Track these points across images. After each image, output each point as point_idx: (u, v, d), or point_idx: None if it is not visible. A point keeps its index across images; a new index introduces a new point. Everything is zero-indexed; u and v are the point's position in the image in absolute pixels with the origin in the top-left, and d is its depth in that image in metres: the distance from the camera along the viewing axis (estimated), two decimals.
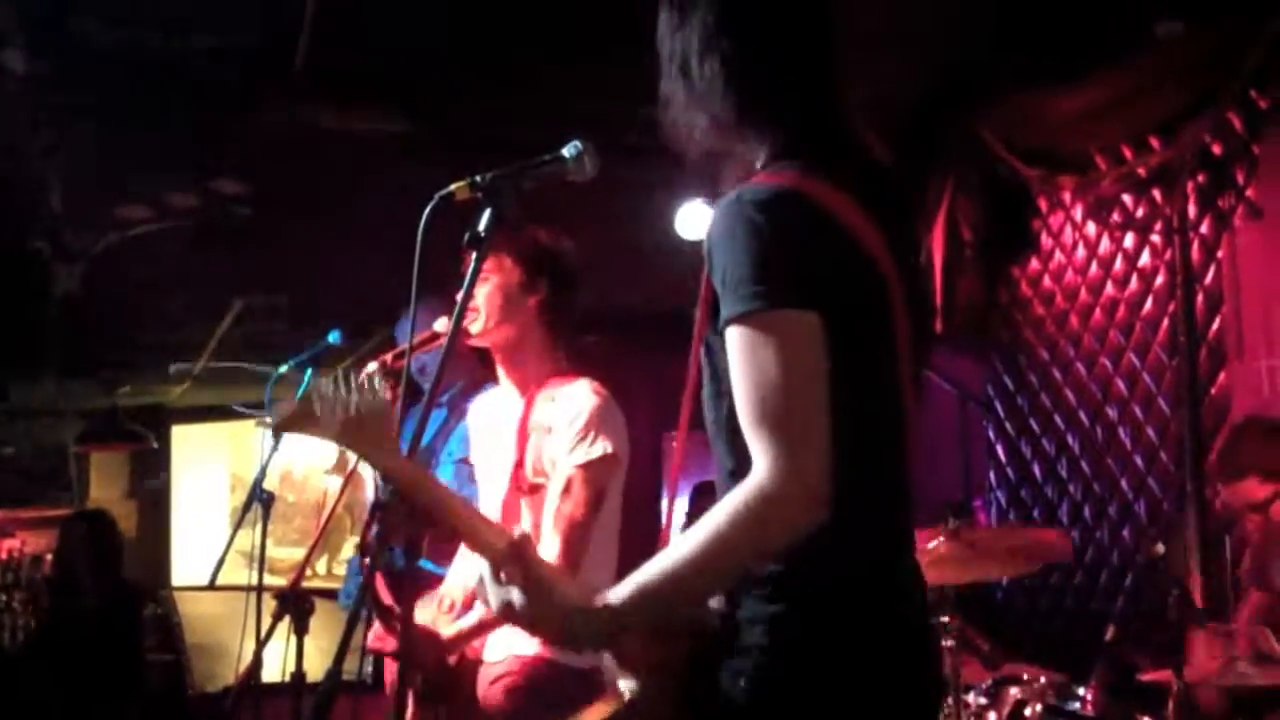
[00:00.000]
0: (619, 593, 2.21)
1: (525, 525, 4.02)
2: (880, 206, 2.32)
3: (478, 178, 2.60)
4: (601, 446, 3.93)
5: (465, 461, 5.05)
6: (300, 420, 2.41)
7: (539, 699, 3.95)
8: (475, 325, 4.14)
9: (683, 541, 2.15)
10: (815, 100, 2.41)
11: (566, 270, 4.20)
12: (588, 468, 3.91)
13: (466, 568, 4.13)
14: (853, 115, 2.45)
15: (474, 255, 2.60)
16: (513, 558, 2.27)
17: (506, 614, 2.27)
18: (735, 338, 2.16)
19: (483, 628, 3.96)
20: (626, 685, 2.38)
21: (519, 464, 4.10)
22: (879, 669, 2.26)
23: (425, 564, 4.67)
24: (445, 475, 5.00)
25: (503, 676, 4.03)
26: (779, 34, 2.41)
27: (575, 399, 4.01)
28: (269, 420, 2.44)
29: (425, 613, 4.16)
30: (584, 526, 3.92)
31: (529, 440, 4.09)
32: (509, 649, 4.05)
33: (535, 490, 4.05)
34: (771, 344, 2.12)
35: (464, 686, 4.09)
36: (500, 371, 4.26)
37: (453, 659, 4.08)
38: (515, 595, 2.25)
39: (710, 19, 2.40)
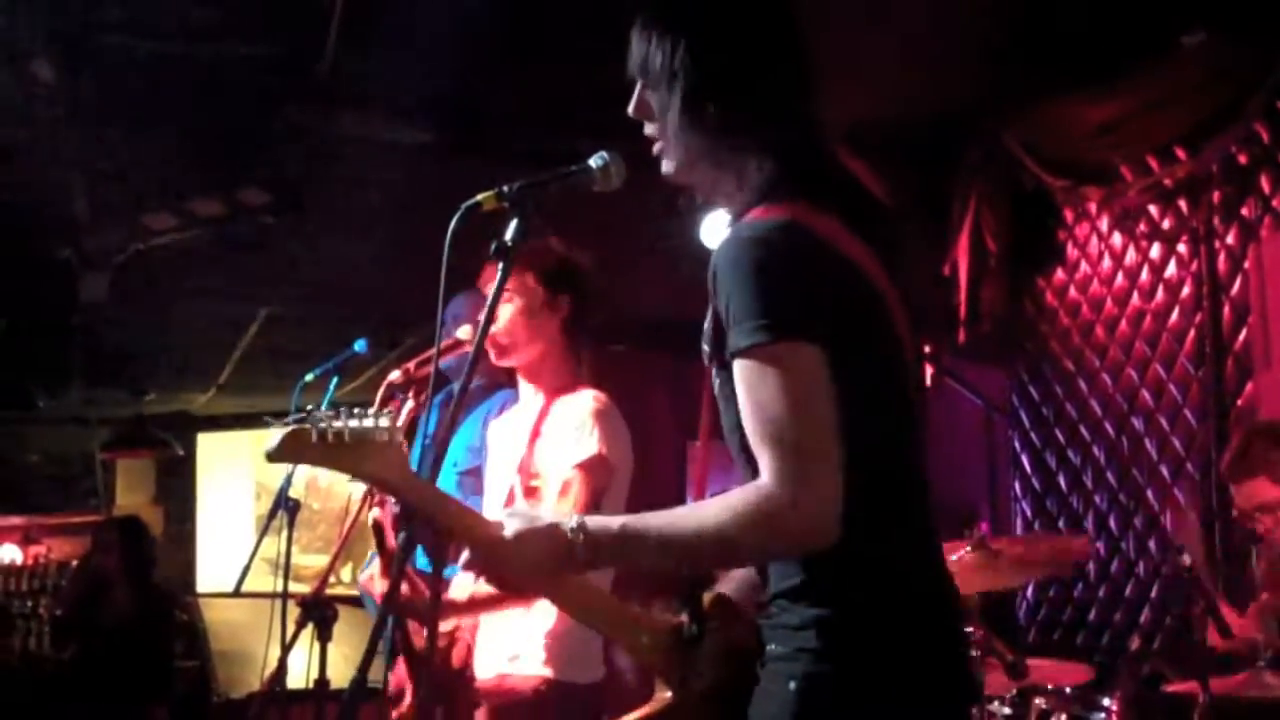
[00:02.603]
0: (615, 520, 2.29)
1: None
2: (870, 231, 2.39)
3: (505, 188, 2.61)
4: (595, 447, 3.95)
5: (469, 474, 5.07)
6: (300, 450, 2.40)
7: (528, 716, 3.95)
8: (502, 355, 4.17)
9: (687, 512, 2.24)
10: (801, 129, 2.46)
11: (588, 285, 4.23)
12: (585, 468, 3.94)
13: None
14: (834, 143, 2.51)
15: (500, 265, 2.61)
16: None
17: (480, 569, 2.37)
18: (742, 371, 2.22)
19: (476, 604, 3.96)
20: (663, 694, 2.40)
21: (523, 466, 4.13)
22: (923, 670, 2.31)
23: (452, 570, 4.69)
24: (447, 484, 4.99)
25: (493, 695, 4.02)
26: (765, 62, 2.45)
27: (576, 406, 4.05)
28: (266, 452, 2.43)
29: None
30: None
31: (538, 441, 4.12)
32: (497, 668, 4.05)
33: (533, 492, 4.08)
34: (777, 374, 2.19)
35: (460, 691, 4.10)
36: (521, 382, 4.29)
37: (457, 660, 4.09)
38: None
39: (701, 40, 2.44)
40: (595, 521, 2.29)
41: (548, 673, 3.97)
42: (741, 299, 2.21)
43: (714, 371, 2.35)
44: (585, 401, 4.07)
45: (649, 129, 2.54)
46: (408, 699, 4.10)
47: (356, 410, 2.44)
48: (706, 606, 2.40)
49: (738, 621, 2.36)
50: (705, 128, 2.43)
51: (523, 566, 2.35)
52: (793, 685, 2.26)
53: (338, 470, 2.46)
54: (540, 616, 3.95)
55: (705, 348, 2.37)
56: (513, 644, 3.98)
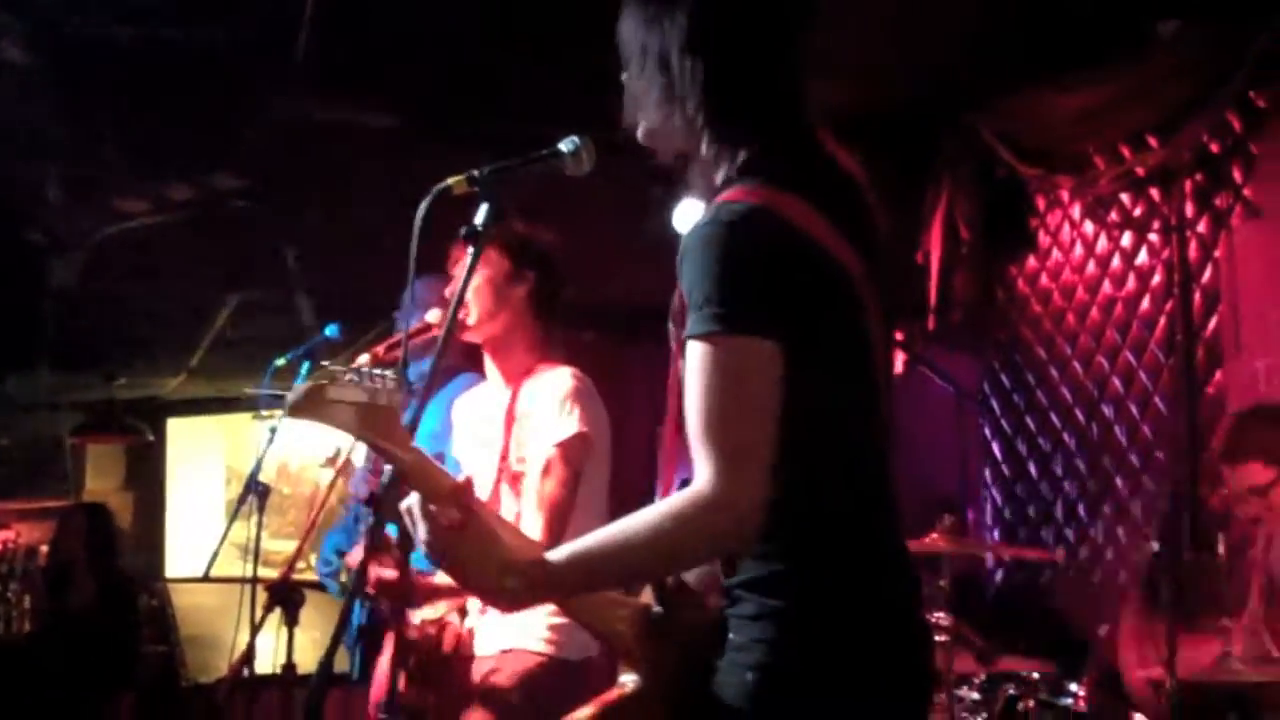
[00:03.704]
0: (555, 555, 2.25)
1: (509, 513, 4.05)
2: (849, 217, 2.38)
3: (475, 172, 2.60)
4: (575, 425, 3.97)
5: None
6: (316, 406, 2.40)
7: (529, 693, 3.97)
8: (468, 320, 4.17)
9: (627, 525, 2.21)
10: (785, 111, 2.45)
11: (552, 260, 4.26)
12: (564, 446, 3.97)
13: None
14: (817, 125, 2.49)
15: (470, 249, 2.61)
16: (452, 498, 2.29)
17: (432, 551, 2.28)
18: (693, 355, 2.22)
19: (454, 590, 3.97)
20: (627, 678, 2.39)
21: (505, 452, 4.15)
22: (880, 664, 2.30)
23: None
24: None
25: (493, 671, 4.04)
26: (761, 40, 2.44)
27: (554, 384, 4.07)
28: (285, 404, 2.43)
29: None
30: (564, 505, 3.98)
31: (514, 428, 4.14)
32: (498, 644, 4.07)
33: (519, 478, 4.09)
34: (724, 366, 2.18)
35: (456, 677, 4.11)
36: (488, 363, 4.29)
37: (446, 645, 4.10)
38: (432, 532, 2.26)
39: (693, 19, 2.42)
40: (553, 558, 2.25)
41: (549, 650, 4.00)
42: (704, 284, 2.21)
43: (680, 354, 2.34)
44: (564, 379, 4.09)
45: (633, 110, 2.52)
46: (401, 686, 4.10)
47: (368, 370, 2.44)
48: (672, 592, 2.39)
49: (702, 608, 2.35)
50: (688, 108, 2.42)
51: (479, 592, 2.34)
52: (749, 676, 2.26)
53: (345, 431, 2.46)
54: (537, 609, 3.97)
55: (670, 328, 2.36)
56: (517, 623, 4.00)
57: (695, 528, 2.16)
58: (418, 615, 4.16)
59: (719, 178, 2.42)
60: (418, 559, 4.85)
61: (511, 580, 2.25)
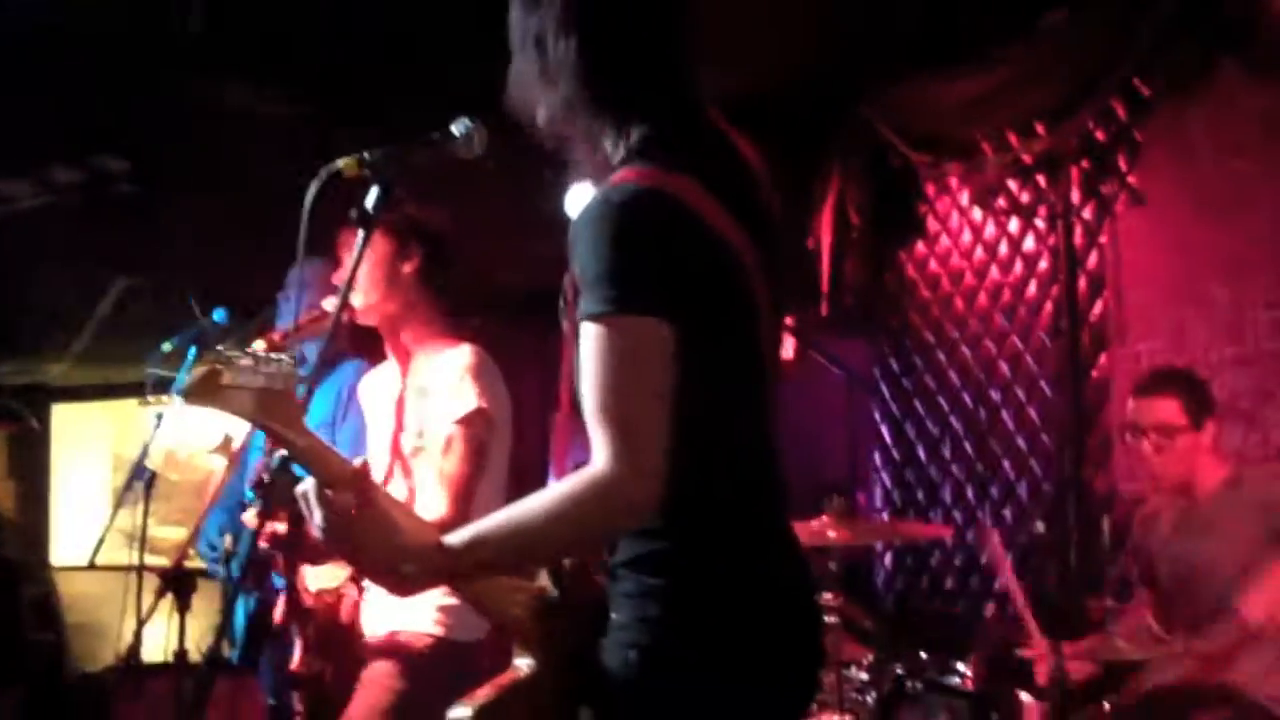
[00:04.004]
0: (452, 540, 2.24)
1: (402, 491, 4.04)
2: (742, 200, 2.38)
3: (365, 154, 2.59)
4: (474, 401, 3.96)
5: None
6: (211, 391, 2.38)
7: (419, 675, 3.96)
8: (357, 302, 4.15)
9: (523, 508, 2.21)
10: (674, 90, 2.45)
11: (437, 236, 4.24)
12: (466, 423, 3.95)
13: None
14: (711, 106, 2.49)
15: (360, 232, 2.59)
16: (349, 482, 2.28)
17: (328, 536, 2.27)
18: (587, 336, 2.21)
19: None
20: (522, 662, 2.39)
21: (397, 431, 4.14)
22: (762, 643, 2.31)
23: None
24: None
25: (382, 653, 4.02)
26: (638, 20, 2.44)
27: (452, 361, 4.05)
28: (178, 389, 2.41)
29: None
30: (468, 480, 3.96)
31: (406, 407, 4.13)
32: (387, 625, 4.05)
33: (414, 454, 4.08)
34: (618, 347, 2.19)
35: (353, 648, 4.09)
36: (386, 347, 4.28)
37: (344, 616, 4.08)
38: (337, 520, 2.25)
39: (567, 1, 2.41)
40: (451, 541, 2.24)
41: (438, 632, 3.99)
42: (596, 264, 2.21)
43: (573, 336, 2.33)
44: (462, 356, 4.07)
45: (519, 93, 2.51)
46: (297, 656, 4.07)
47: (264, 355, 2.42)
48: (568, 575, 2.39)
49: (598, 590, 2.36)
50: (565, 90, 2.41)
51: (377, 576, 2.33)
52: (632, 655, 2.26)
53: (240, 416, 2.44)
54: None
55: (563, 310, 2.36)
56: (406, 605, 3.98)
57: (592, 509, 2.17)
58: (314, 584, 4.14)
59: (611, 160, 2.42)
60: None
61: (408, 565, 2.25)
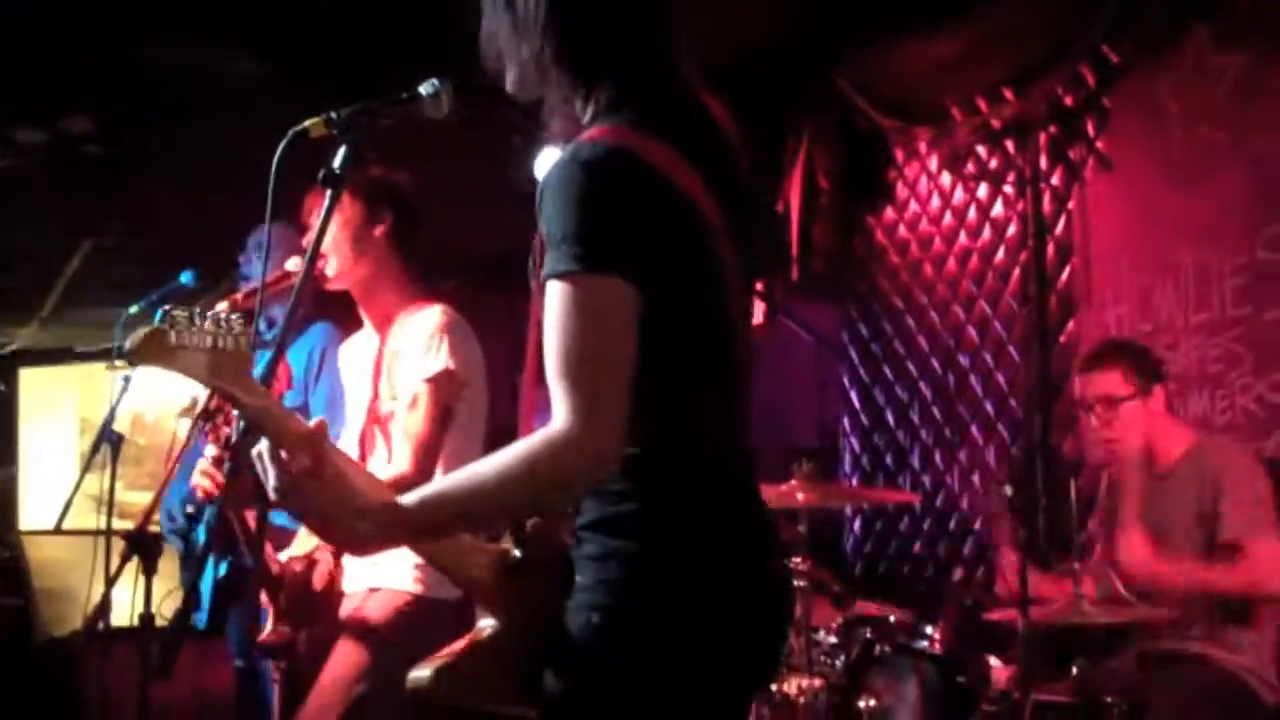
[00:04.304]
0: (408, 499, 2.24)
1: (380, 457, 4.04)
2: (712, 162, 2.37)
3: (333, 114, 2.57)
4: (443, 361, 3.95)
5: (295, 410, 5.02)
6: (158, 352, 2.36)
7: (398, 631, 3.96)
8: (329, 269, 4.14)
9: (481, 467, 2.21)
10: (646, 49, 2.43)
11: (407, 198, 4.23)
12: (433, 382, 3.95)
13: None
14: (685, 66, 2.47)
15: (328, 194, 2.58)
16: (303, 443, 2.28)
17: (281, 497, 2.27)
18: (551, 294, 2.20)
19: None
20: (486, 623, 2.39)
21: (374, 396, 4.13)
22: (727, 605, 2.31)
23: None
24: None
25: (361, 610, 4.02)
26: None
27: (423, 321, 4.04)
28: (125, 349, 2.37)
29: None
30: (431, 438, 3.97)
31: (383, 371, 4.12)
32: (366, 582, 4.05)
33: (390, 418, 4.08)
34: (583, 306, 2.18)
35: (327, 615, 4.08)
36: (360, 310, 4.27)
37: (318, 583, 4.07)
38: (304, 478, 2.25)
39: None
40: (405, 501, 2.24)
41: (416, 589, 3.99)
42: (562, 222, 2.20)
43: (540, 296, 2.32)
44: (433, 316, 4.07)
45: (490, 52, 2.49)
46: (269, 626, 4.07)
47: (213, 315, 2.40)
48: (528, 532, 2.39)
49: (559, 548, 2.35)
50: (535, 47, 2.40)
51: (330, 536, 2.34)
52: (594, 618, 2.26)
53: (190, 377, 2.42)
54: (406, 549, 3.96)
55: (531, 269, 2.34)
56: (385, 562, 3.97)
57: (551, 468, 2.16)
58: (285, 553, 4.13)
59: (580, 119, 2.41)
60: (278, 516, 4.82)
61: (364, 524, 2.24)
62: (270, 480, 2.26)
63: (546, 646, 2.30)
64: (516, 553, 2.38)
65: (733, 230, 2.38)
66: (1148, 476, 4.81)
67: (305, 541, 4.13)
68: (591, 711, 2.29)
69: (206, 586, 5.10)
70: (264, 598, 4.06)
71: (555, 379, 2.18)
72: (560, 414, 2.16)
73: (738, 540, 2.36)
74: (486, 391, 4.22)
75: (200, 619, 4.97)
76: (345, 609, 4.08)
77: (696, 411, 2.34)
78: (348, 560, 4.12)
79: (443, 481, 2.27)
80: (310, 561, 4.10)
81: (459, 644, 2.38)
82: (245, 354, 2.40)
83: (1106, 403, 4.82)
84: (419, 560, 3.96)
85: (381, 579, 4.03)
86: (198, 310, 2.40)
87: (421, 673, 2.34)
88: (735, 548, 2.35)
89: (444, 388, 3.99)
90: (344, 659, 3.98)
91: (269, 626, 4.05)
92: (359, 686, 3.95)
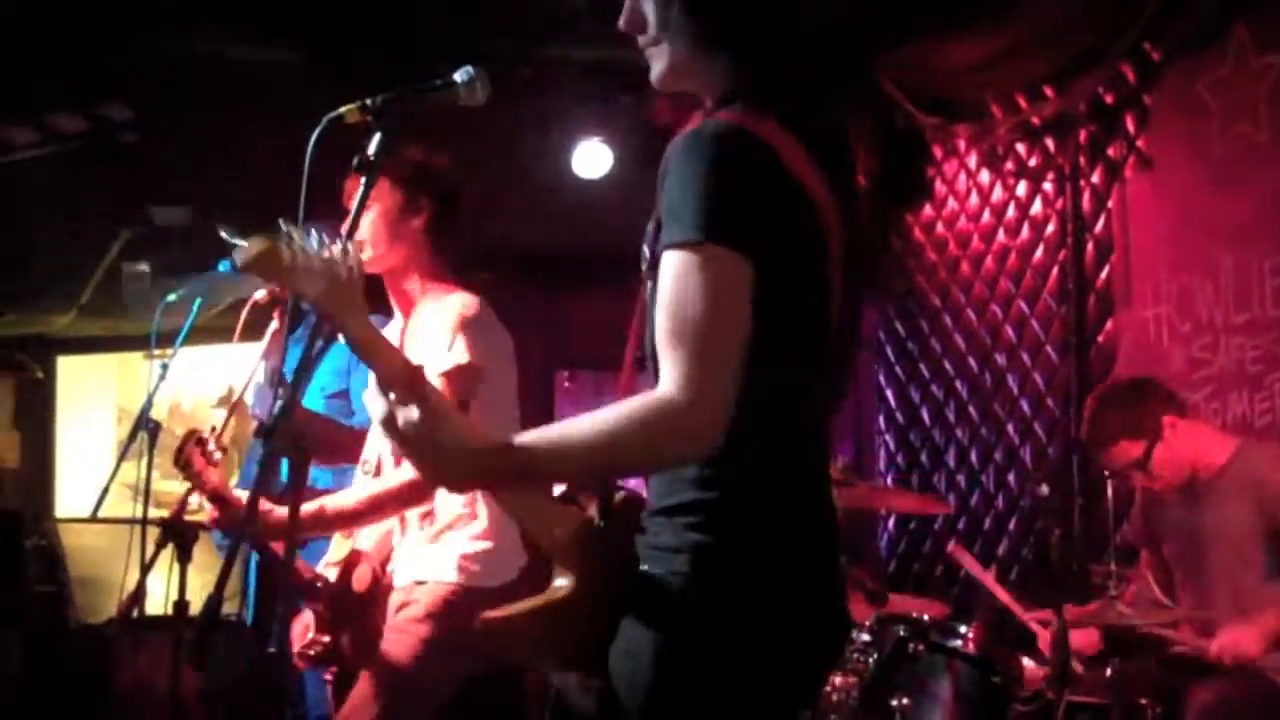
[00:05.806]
0: (518, 440, 2.25)
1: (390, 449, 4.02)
2: (832, 162, 2.37)
3: (368, 101, 2.57)
4: (462, 355, 3.90)
5: (336, 397, 5.03)
6: (274, 268, 2.34)
7: (444, 624, 3.93)
8: (363, 255, 4.12)
9: (591, 420, 2.20)
10: (788, 47, 2.42)
11: (448, 187, 4.18)
12: (448, 376, 3.87)
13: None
14: (810, 62, 2.46)
15: (363, 180, 2.57)
16: (406, 381, 2.30)
17: (388, 427, 2.29)
18: (670, 262, 2.18)
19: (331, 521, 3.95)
20: (562, 582, 2.37)
21: None
22: (796, 611, 2.30)
23: (316, 476, 4.66)
24: (315, 409, 4.98)
25: (406, 604, 4.01)
26: None
27: (447, 308, 3.99)
28: (237, 261, 2.34)
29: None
30: None
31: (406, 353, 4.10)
32: (410, 575, 4.03)
33: None
34: (702, 274, 2.15)
35: (370, 614, 4.07)
36: (391, 298, 4.24)
37: (358, 586, 4.06)
38: (407, 411, 2.28)
39: None
40: (512, 441, 2.25)
41: (461, 579, 3.96)
42: (685, 194, 2.18)
43: (648, 282, 2.29)
44: (455, 305, 4.00)
45: (641, 40, 2.46)
46: (311, 630, 4.06)
47: (326, 240, 2.40)
48: (616, 505, 2.37)
49: (640, 529, 2.33)
50: (698, 35, 2.38)
51: (427, 470, 2.35)
52: (661, 616, 2.23)
53: (303, 297, 2.40)
54: (452, 540, 3.94)
55: (645, 249, 2.33)
56: (428, 555, 3.96)
57: (658, 431, 2.14)
58: (321, 562, 4.12)
59: (704, 102, 2.42)
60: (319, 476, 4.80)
61: (465, 460, 2.28)
62: (377, 412, 2.29)
63: (625, 595, 2.29)
64: (600, 523, 2.37)
65: (846, 226, 2.38)
66: (1188, 481, 4.78)
67: (339, 548, 4.12)
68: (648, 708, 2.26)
69: (251, 580, 5.11)
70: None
71: (666, 344, 2.15)
72: (670, 378, 2.13)
73: (812, 546, 2.34)
74: (515, 373, 4.17)
75: (248, 615, 4.97)
76: (393, 602, 4.06)
77: (785, 404, 2.30)
78: (396, 556, 4.11)
79: (550, 430, 2.25)
80: (349, 564, 4.09)
81: (536, 600, 2.36)
82: (357, 284, 2.40)
83: (1134, 466, 4.80)
84: (465, 550, 3.95)
85: (426, 571, 4.01)
86: (314, 230, 2.40)
87: (493, 614, 2.33)
88: (809, 554, 2.33)
89: (459, 382, 3.93)
90: (392, 651, 3.97)
91: (310, 635, 4.05)
92: (406, 676, 3.94)
